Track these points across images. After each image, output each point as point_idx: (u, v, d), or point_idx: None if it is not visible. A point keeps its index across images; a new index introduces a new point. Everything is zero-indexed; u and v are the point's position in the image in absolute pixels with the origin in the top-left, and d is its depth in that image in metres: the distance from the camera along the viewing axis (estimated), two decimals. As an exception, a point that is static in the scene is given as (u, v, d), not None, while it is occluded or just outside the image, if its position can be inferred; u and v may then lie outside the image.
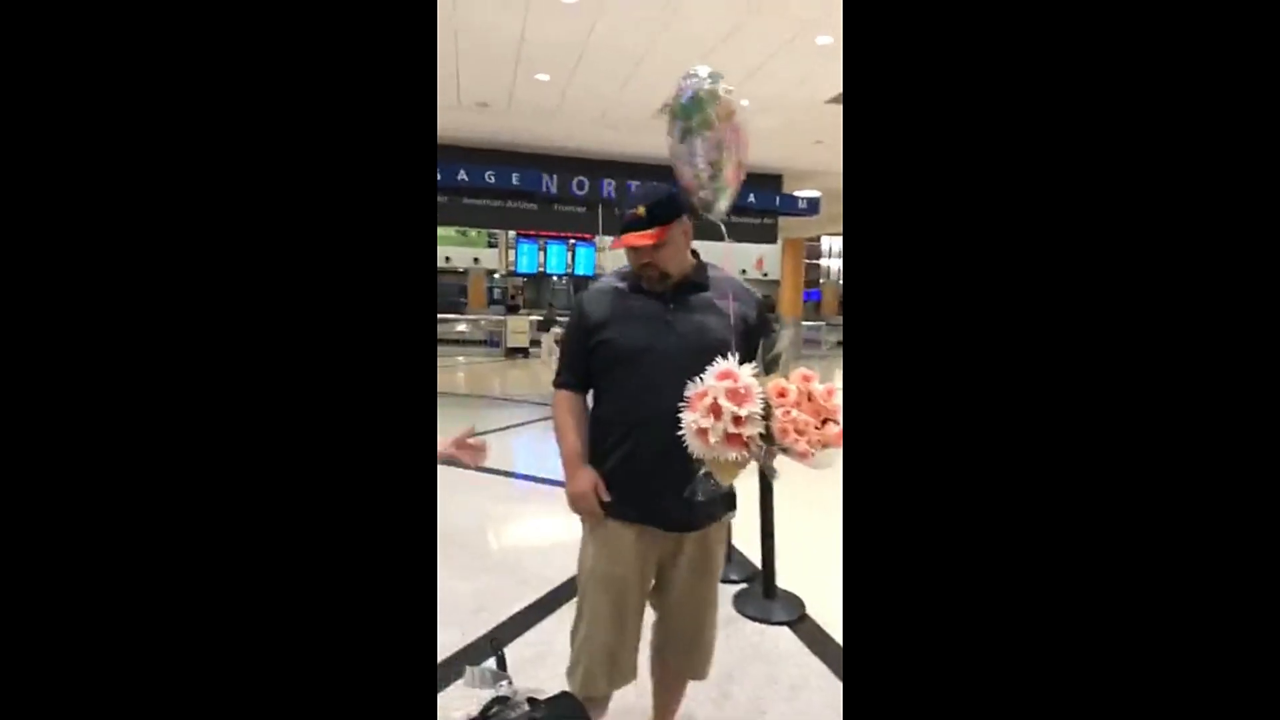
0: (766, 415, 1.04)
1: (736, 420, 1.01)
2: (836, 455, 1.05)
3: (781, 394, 1.05)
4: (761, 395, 1.04)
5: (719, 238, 1.34)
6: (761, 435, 1.04)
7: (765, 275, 13.08)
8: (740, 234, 7.96)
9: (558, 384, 1.37)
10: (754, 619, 2.23)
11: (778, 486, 2.31)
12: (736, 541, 2.67)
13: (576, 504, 1.32)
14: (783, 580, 2.35)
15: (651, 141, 7.20)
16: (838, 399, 1.06)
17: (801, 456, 1.04)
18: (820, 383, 1.07)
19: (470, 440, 1.26)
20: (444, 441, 1.24)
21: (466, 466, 1.27)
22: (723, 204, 1.31)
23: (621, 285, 1.32)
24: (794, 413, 1.03)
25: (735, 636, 2.10)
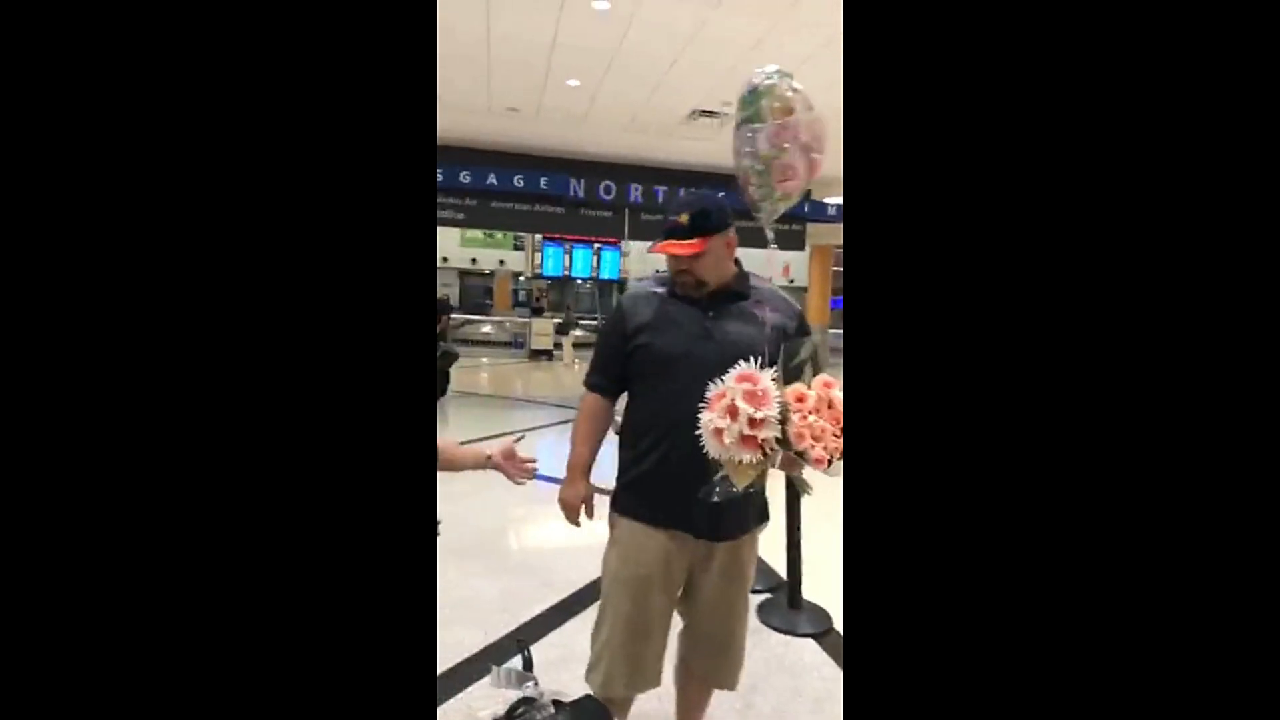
0: (784, 420, 1.03)
1: (752, 422, 1.01)
2: None
3: (800, 399, 1.05)
4: (779, 399, 1.03)
5: (762, 244, 1.33)
6: (778, 440, 1.03)
7: (792, 282, 12.97)
8: (765, 240, 7.93)
9: (588, 384, 1.38)
10: (779, 630, 2.20)
11: (805, 497, 2.28)
12: (762, 551, 2.64)
13: (562, 508, 1.37)
14: (808, 592, 2.31)
15: (679, 147, 7.24)
16: None
17: (817, 463, 1.03)
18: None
19: (520, 455, 1.28)
20: (495, 448, 1.27)
21: (513, 480, 1.29)
22: (774, 205, 1.29)
23: (661, 290, 1.32)
24: (811, 418, 1.03)
25: (760, 647, 2.08)
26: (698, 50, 4.65)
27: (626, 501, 1.31)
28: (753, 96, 1.25)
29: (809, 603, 2.30)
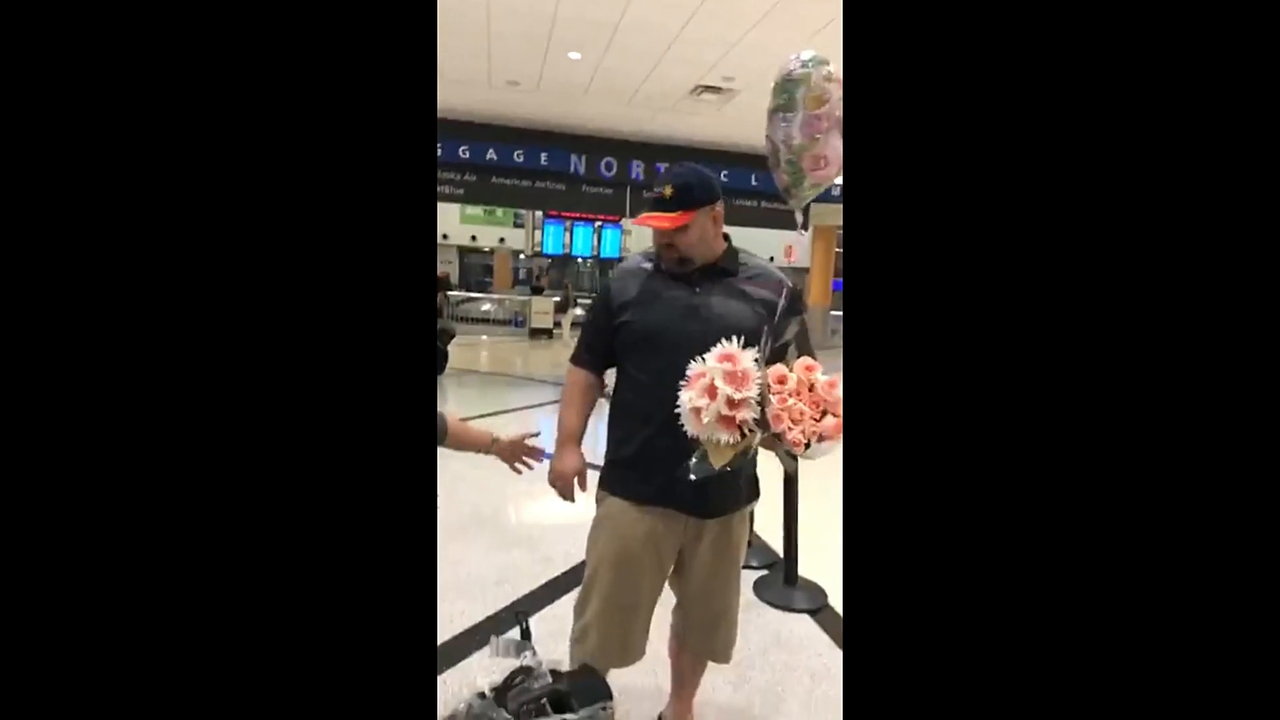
0: (764, 402, 1.02)
1: (731, 403, 1.00)
2: (832, 447, 1.03)
3: (781, 381, 1.03)
4: (760, 380, 1.02)
5: (792, 226, 1.33)
6: (756, 421, 1.02)
7: (792, 263, 12.91)
8: (770, 220, 7.87)
9: (575, 361, 1.36)
10: (774, 606, 2.22)
11: (803, 475, 2.30)
12: (759, 528, 2.66)
13: (555, 481, 1.33)
14: (805, 569, 2.33)
15: (682, 123, 7.14)
16: (839, 392, 1.04)
17: (793, 446, 1.02)
18: (824, 373, 1.05)
19: (528, 442, 1.30)
20: (504, 438, 1.29)
21: (512, 467, 1.32)
22: (804, 191, 1.28)
23: (648, 266, 1.30)
24: (791, 401, 1.02)
25: (755, 623, 2.10)
26: (703, 22, 4.56)
27: (614, 479, 1.31)
28: (788, 84, 1.23)
29: (805, 579, 2.32)
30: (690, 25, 4.62)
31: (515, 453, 1.31)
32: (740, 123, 6.63)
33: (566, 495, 1.34)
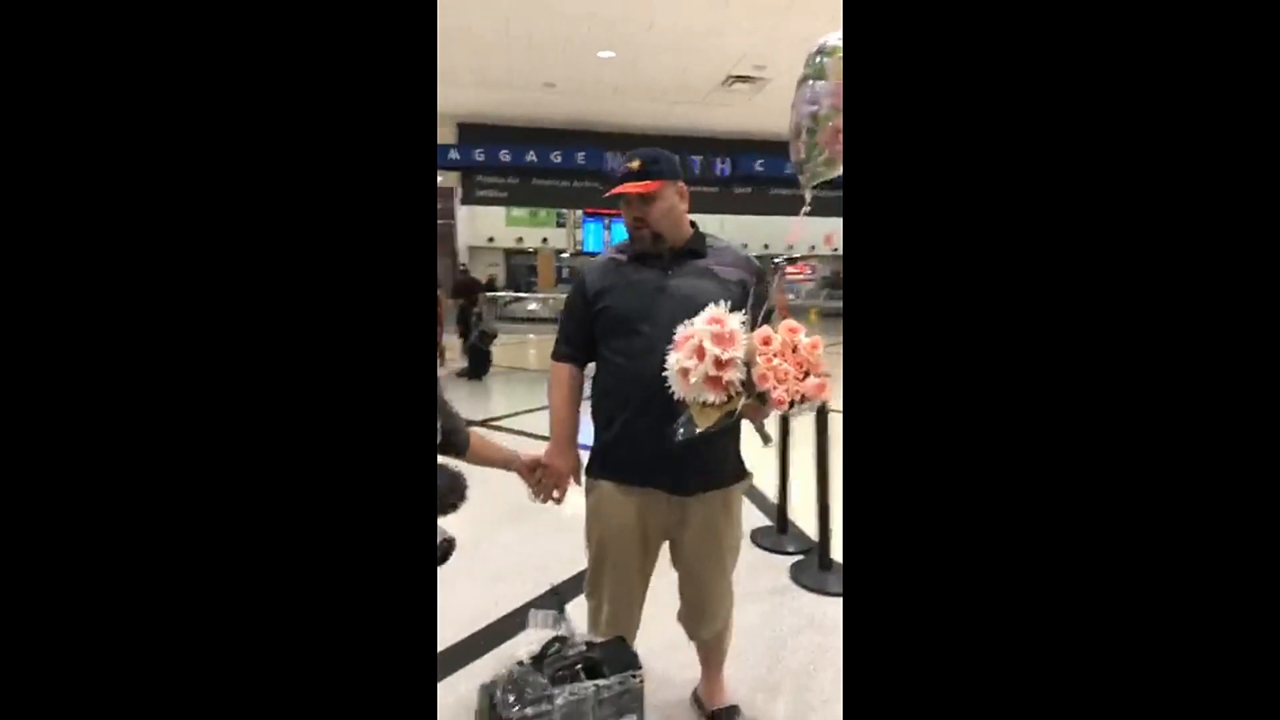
0: (749, 363, 1.06)
1: (718, 363, 1.04)
2: (813, 406, 1.07)
3: (766, 342, 1.07)
4: (746, 341, 1.06)
5: (827, 213, 1.36)
6: (743, 382, 1.06)
7: (835, 250, 12.65)
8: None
9: (556, 356, 1.40)
10: (809, 589, 2.27)
11: (835, 463, 2.32)
12: (793, 514, 2.71)
13: (548, 474, 1.34)
14: (838, 553, 2.37)
15: (715, 115, 7.13)
16: (821, 352, 1.08)
17: (778, 404, 1.05)
18: (806, 336, 1.10)
19: (545, 479, 1.34)
20: (524, 457, 1.34)
21: (533, 493, 1.36)
22: (817, 167, 1.30)
23: (620, 256, 1.35)
24: (776, 361, 1.05)
25: (790, 605, 2.15)
26: (732, 12, 4.56)
27: (599, 464, 1.35)
28: (821, 53, 1.27)
29: (838, 564, 2.36)
30: (720, 16, 4.63)
31: (531, 475, 1.35)
32: (772, 112, 6.55)
33: (555, 488, 1.35)
